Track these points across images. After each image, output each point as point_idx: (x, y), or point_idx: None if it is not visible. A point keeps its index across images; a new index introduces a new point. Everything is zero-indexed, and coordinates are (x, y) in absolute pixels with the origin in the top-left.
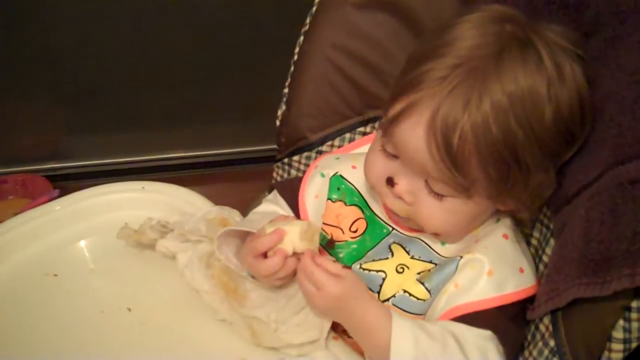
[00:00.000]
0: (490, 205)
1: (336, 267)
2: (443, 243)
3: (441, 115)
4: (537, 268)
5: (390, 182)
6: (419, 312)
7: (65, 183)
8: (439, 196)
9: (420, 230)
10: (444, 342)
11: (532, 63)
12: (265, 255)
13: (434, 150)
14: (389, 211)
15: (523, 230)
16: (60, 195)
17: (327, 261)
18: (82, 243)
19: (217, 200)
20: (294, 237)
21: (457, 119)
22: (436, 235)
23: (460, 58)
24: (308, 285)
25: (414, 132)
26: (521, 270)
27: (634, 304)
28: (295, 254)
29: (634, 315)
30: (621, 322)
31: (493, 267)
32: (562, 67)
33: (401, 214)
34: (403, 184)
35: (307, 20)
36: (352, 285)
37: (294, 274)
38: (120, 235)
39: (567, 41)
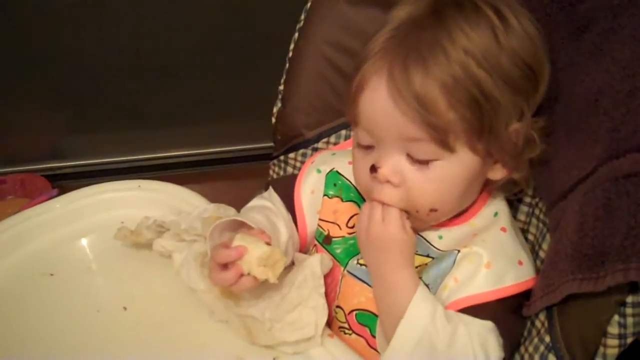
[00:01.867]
0: (479, 167)
1: (408, 224)
2: (440, 236)
3: (397, 67)
4: (534, 264)
5: (373, 169)
6: None
7: (64, 182)
8: (424, 164)
9: (415, 227)
10: (455, 327)
11: (471, 13)
12: (225, 265)
13: (401, 102)
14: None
15: (518, 224)
16: (58, 195)
17: (405, 215)
18: (78, 242)
19: (215, 198)
20: (252, 260)
21: (414, 65)
22: (433, 211)
23: (401, 19)
24: (377, 212)
25: (377, 95)
26: (520, 263)
27: (629, 299)
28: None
29: (629, 310)
30: (616, 317)
31: (491, 260)
32: (503, 13)
33: (394, 203)
34: (386, 165)
35: (302, 17)
36: (408, 244)
37: (248, 290)
38: (118, 236)
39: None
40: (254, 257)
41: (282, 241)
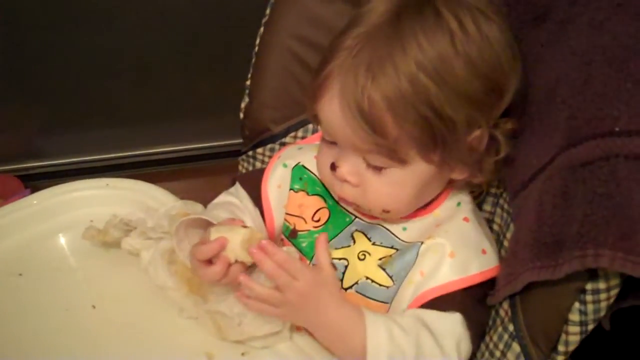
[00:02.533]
0: (435, 173)
1: (304, 267)
2: (404, 228)
3: (348, 82)
4: (499, 253)
5: (333, 167)
6: (383, 300)
7: (38, 182)
8: (378, 169)
9: (378, 217)
10: (417, 335)
11: (430, 20)
12: (210, 261)
13: (351, 119)
14: (342, 200)
15: (484, 214)
16: None
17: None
18: (46, 242)
19: (190, 195)
20: (236, 246)
21: (364, 83)
22: (385, 212)
23: (364, 27)
24: (283, 276)
25: (331, 107)
26: (484, 252)
27: (589, 286)
28: (238, 261)
29: (588, 297)
30: (577, 304)
31: (455, 250)
32: (464, 21)
33: (350, 199)
34: (344, 166)
35: (267, 11)
36: (328, 280)
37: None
38: (85, 236)
39: (476, 1)
40: (237, 242)
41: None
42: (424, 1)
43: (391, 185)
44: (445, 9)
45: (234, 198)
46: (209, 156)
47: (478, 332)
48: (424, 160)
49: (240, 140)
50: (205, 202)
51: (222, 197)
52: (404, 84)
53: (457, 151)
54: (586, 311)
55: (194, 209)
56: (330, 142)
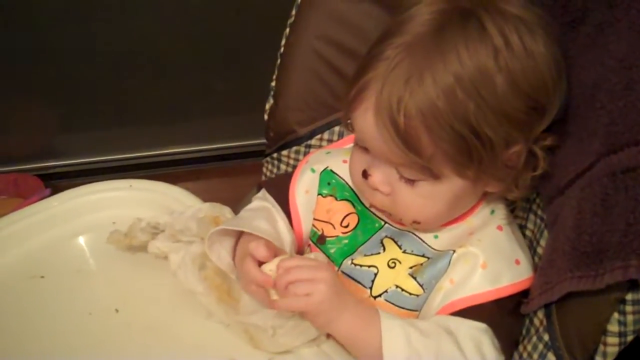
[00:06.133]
0: (469, 187)
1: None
2: (436, 236)
3: (384, 96)
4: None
5: (365, 174)
6: (413, 308)
7: (57, 182)
8: (411, 182)
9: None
10: (438, 339)
11: (474, 34)
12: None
13: (385, 133)
14: (373, 207)
15: (516, 220)
16: (51, 195)
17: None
18: (69, 244)
19: (210, 196)
20: None
21: (400, 98)
22: (416, 223)
23: (405, 37)
24: (299, 303)
25: (366, 118)
26: (517, 262)
27: (629, 297)
28: None
29: (628, 308)
30: (616, 315)
31: (487, 260)
32: (509, 37)
33: (381, 207)
34: (376, 175)
35: (293, 12)
36: (337, 284)
37: None
38: (111, 240)
39: (524, 13)
40: None
41: (287, 249)
42: (468, 14)
43: (423, 198)
44: (491, 24)
45: (267, 203)
46: (228, 156)
47: (509, 343)
48: (458, 176)
49: (260, 141)
50: (224, 203)
51: (257, 203)
52: (441, 99)
53: (494, 168)
54: (626, 322)
55: (221, 211)
56: (363, 147)
